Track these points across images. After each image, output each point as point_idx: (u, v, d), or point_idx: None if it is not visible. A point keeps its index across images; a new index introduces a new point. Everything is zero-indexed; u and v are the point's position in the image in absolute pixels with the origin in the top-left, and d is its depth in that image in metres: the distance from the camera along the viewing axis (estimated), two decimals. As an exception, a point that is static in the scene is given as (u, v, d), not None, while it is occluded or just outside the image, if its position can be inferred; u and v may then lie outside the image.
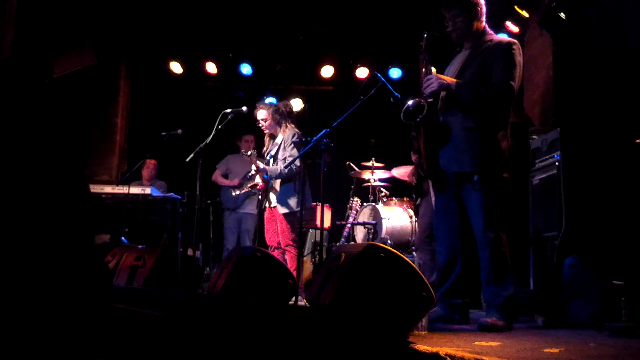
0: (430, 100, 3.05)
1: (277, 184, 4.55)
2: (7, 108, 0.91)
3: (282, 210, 4.44)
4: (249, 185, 5.89)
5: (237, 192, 5.81)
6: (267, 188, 4.56)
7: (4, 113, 0.90)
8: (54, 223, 0.88)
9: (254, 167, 4.52)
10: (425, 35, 3.15)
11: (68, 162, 0.94)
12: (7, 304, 0.83)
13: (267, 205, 4.62)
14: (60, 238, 0.88)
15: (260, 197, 4.72)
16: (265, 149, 4.77)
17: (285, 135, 4.58)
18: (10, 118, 0.91)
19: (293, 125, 4.64)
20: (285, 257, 4.47)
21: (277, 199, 4.51)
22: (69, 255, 0.89)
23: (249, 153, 4.57)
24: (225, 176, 6.14)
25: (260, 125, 4.69)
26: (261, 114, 4.64)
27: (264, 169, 4.47)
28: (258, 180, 4.58)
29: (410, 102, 3.07)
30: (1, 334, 0.82)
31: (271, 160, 4.65)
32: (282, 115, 4.63)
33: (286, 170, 4.42)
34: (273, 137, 4.73)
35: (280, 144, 4.61)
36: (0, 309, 0.82)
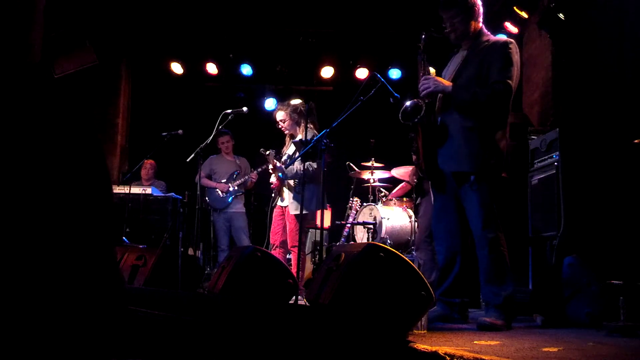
0: (427, 100, 3.06)
1: (292, 183, 4.54)
2: (28, 105, 0.93)
3: (295, 211, 4.43)
4: (236, 184, 5.92)
5: (225, 194, 5.90)
6: (282, 186, 4.56)
7: (25, 110, 0.92)
8: (70, 224, 0.89)
9: (270, 166, 4.51)
10: (423, 36, 3.17)
11: (88, 161, 0.95)
12: (20, 305, 0.84)
13: (278, 203, 4.61)
14: (77, 240, 0.90)
15: (273, 194, 4.72)
16: (285, 148, 4.77)
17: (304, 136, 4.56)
18: (30, 115, 0.92)
19: (312, 126, 4.59)
20: (289, 257, 4.47)
21: (290, 199, 4.50)
22: (87, 255, 0.91)
23: (267, 152, 4.57)
24: (209, 177, 6.13)
25: (279, 126, 4.67)
26: (279, 115, 4.63)
27: (280, 168, 4.46)
28: (273, 179, 4.58)
29: (407, 103, 3.09)
30: (16, 334, 0.83)
31: (288, 160, 4.64)
32: (301, 115, 4.60)
33: (302, 171, 4.40)
34: (293, 137, 4.72)
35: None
36: (16, 310, 0.83)
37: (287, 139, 4.76)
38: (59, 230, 0.88)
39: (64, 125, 0.95)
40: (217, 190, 5.99)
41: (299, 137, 4.59)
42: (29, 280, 0.85)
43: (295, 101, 4.74)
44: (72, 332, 0.88)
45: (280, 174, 4.49)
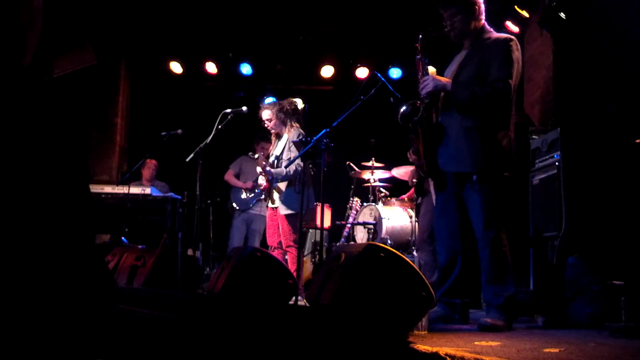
0: (427, 101, 3.05)
1: (282, 185, 4.53)
2: (14, 108, 0.91)
3: (285, 211, 4.42)
4: (260, 188, 5.95)
5: (249, 195, 5.95)
6: (271, 188, 4.55)
7: (11, 113, 0.90)
8: (56, 223, 0.88)
9: (259, 169, 4.51)
10: (420, 36, 3.15)
11: (70, 162, 0.94)
12: (9, 305, 0.83)
13: (269, 205, 4.62)
14: (62, 238, 0.88)
15: (263, 197, 4.72)
16: (271, 148, 4.76)
17: (291, 135, 4.55)
18: (16, 118, 0.91)
19: (298, 125, 4.59)
20: (287, 257, 4.46)
21: (279, 200, 4.50)
22: (72, 255, 0.89)
23: (256, 156, 4.59)
24: (237, 177, 6.15)
25: (265, 125, 4.67)
26: (265, 114, 4.62)
27: (269, 171, 4.46)
28: (262, 180, 4.58)
29: (405, 106, 3.09)
30: (4, 334, 0.82)
31: (275, 161, 4.63)
32: (287, 114, 4.58)
33: (291, 172, 4.39)
34: (279, 136, 4.71)
35: (286, 144, 4.58)
36: (2, 310, 0.82)
37: (273, 138, 4.75)
38: (40, 230, 0.86)
39: (42, 125, 0.93)
40: (242, 190, 6.04)
41: (285, 136, 4.59)
42: (10, 278, 0.83)
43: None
44: (55, 330, 0.86)
45: (269, 177, 4.49)
